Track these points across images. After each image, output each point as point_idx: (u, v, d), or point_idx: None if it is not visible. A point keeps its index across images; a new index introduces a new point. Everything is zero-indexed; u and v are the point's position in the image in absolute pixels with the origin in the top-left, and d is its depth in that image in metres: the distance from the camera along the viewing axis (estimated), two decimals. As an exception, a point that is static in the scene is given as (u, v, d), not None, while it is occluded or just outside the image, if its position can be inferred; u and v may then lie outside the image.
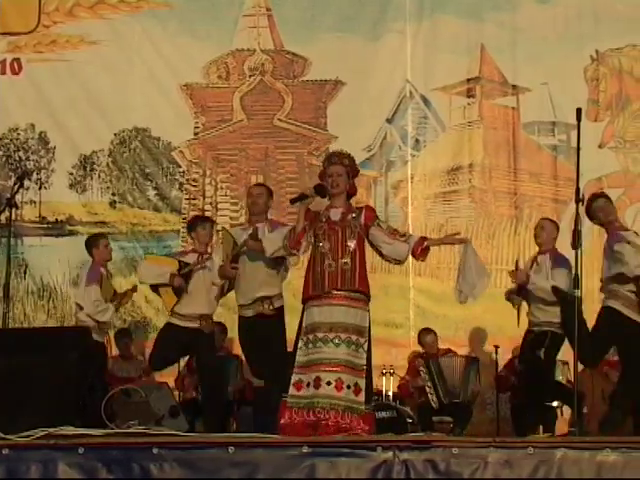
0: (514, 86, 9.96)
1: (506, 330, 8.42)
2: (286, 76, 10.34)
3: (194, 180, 10.35)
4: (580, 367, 6.60)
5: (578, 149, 6.36)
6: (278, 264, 6.93)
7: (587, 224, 6.96)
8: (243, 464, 4.85)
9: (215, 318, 7.66)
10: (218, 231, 8.87)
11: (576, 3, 9.94)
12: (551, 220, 7.80)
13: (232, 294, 7.29)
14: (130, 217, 10.34)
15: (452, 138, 10.06)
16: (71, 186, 10.41)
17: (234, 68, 10.43)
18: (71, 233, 10.34)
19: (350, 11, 10.17)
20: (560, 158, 9.84)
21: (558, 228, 7.59)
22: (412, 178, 9.99)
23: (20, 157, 10.49)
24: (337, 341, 5.93)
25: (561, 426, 7.90)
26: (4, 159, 10.50)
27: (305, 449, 4.85)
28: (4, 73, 10.45)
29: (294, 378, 6.00)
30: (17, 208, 8.64)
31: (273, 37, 10.40)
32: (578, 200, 6.15)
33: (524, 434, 6.78)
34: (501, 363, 8.58)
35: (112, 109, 10.28)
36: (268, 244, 6.64)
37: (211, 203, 10.25)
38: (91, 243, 8.17)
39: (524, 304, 7.49)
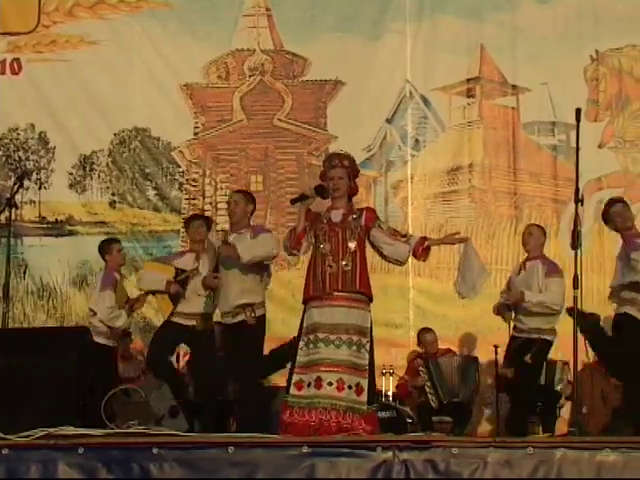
0: (514, 86, 9.95)
1: (506, 330, 8.41)
2: (286, 76, 10.34)
3: (194, 180, 10.35)
4: (580, 367, 6.60)
5: (577, 149, 6.37)
6: (260, 270, 6.88)
7: (586, 224, 6.96)
8: (243, 464, 4.86)
9: (215, 318, 7.65)
10: (218, 231, 8.85)
11: (576, 3, 9.94)
12: (538, 226, 7.82)
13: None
14: (130, 217, 10.34)
15: (452, 138, 10.06)
16: (71, 186, 10.40)
17: (234, 68, 10.43)
18: (71, 233, 10.34)
19: (350, 11, 10.17)
20: (560, 158, 9.84)
21: (545, 234, 7.58)
22: (412, 178, 9.99)
23: (20, 157, 10.49)
24: (338, 342, 5.95)
25: (561, 426, 7.90)
26: (4, 159, 10.50)
27: (305, 449, 4.86)
28: (4, 73, 10.45)
29: (295, 378, 6.02)
30: (17, 208, 8.64)
31: (273, 37, 10.40)
32: (577, 200, 6.15)
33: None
34: (501, 363, 8.57)
35: (112, 109, 10.28)
36: (244, 251, 6.62)
37: (211, 203, 10.25)
38: (104, 248, 8.16)
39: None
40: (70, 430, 5.38)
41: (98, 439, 5.27)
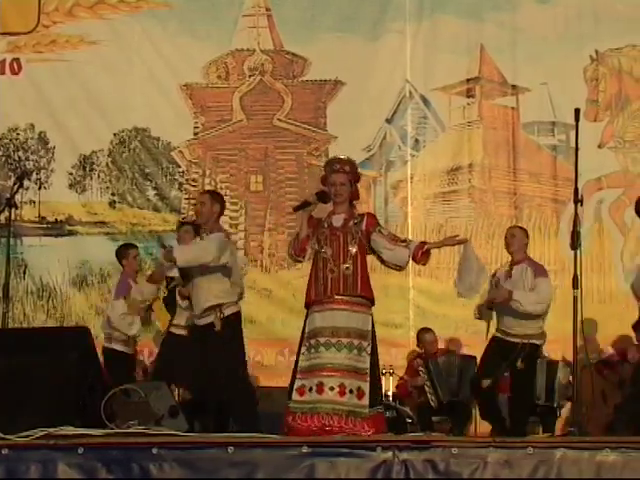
0: (514, 86, 9.96)
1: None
2: (286, 76, 10.33)
3: (194, 180, 10.35)
4: (580, 367, 6.60)
5: (576, 149, 6.36)
6: (226, 272, 6.73)
7: (586, 224, 6.96)
8: (242, 464, 4.86)
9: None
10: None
11: (576, 3, 9.94)
12: (520, 227, 7.84)
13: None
14: (130, 217, 10.34)
15: (452, 138, 10.06)
16: (71, 186, 10.41)
17: (234, 68, 10.43)
18: (70, 233, 10.34)
19: (350, 11, 10.17)
20: (560, 158, 9.84)
21: (528, 235, 7.58)
22: (412, 178, 9.99)
23: (20, 157, 10.49)
24: (339, 346, 5.99)
25: (561, 426, 7.90)
26: (4, 159, 10.50)
27: (305, 449, 4.86)
28: (4, 73, 10.45)
29: (297, 383, 6.06)
30: (16, 208, 8.63)
31: (273, 37, 10.39)
32: (577, 200, 6.15)
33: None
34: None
35: (112, 109, 10.28)
36: (179, 255, 6.53)
37: (211, 203, 10.23)
38: (121, 253, 8.15)
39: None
40: (70, 430, 5.38)
41: (98, 439, 5.27)
